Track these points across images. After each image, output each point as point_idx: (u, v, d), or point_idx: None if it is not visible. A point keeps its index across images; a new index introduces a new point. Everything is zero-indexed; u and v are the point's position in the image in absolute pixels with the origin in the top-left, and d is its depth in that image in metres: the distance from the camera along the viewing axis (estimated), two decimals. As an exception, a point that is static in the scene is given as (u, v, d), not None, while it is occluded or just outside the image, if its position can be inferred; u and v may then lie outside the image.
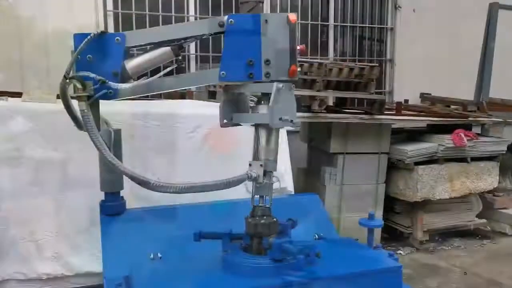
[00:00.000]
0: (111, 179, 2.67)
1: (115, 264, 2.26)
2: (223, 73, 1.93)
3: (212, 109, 4.23)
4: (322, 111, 4.23)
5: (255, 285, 1.89)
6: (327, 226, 2.85)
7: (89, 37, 1.88)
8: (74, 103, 2.00)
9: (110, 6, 5.22)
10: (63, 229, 3.63)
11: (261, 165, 1.97)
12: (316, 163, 5.17)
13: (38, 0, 4.90)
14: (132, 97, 2.08)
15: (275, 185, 4.15)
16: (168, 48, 2.01)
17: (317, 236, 2.58)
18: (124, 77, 1.99)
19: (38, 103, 3.68)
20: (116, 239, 2.48)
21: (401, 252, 4.98)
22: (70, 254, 3.64)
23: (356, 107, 4.93)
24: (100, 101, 2.16)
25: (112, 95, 1.97)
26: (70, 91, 1.96)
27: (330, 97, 5.01)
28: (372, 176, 4.94)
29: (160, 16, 5.30)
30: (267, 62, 1.91)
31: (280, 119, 1.94)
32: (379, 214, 5.02)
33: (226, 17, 1.92)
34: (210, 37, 2.37)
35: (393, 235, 5.35)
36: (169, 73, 2.02)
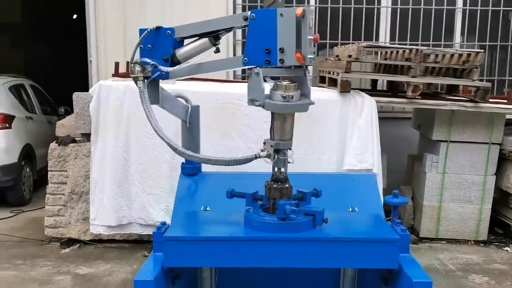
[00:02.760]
0: (190, 146, 3.22)
1: (180, 212, 2.83)
2: (245, 59, 2.32)
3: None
4: (417, 97, 4.24)
5: (257, 236, 2.27)
6: (373, 203, 2.98)
7: (146, 31, 2.45)
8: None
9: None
10: (174, 188, 4.41)
11: (271, 145, 2.31)
12: (422, 150, 5.13)
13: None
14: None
15: (361, 166, 4.40)
16: (206, 39, 2.47)
17: (351, 209, 2.79)
18: (174, 62, 2.51)
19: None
20: (186, 193, 3.06)
21: (507, 249, 4.70)
22: (179, 209, 4.41)
23: (463, 94, 4.74)
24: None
25: (164, 76, 2.49)
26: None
27: (440, 83, 4.92)
28: (480, 166, 4.72)
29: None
30: (281, 50, 2.24)
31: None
32: (487, 207, 4.80)
33: (249, 12, 2.31)
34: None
35: (507, 231, 5.03)
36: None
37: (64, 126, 5.03)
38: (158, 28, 2.47)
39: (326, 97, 4.35)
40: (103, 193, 4.39)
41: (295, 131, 4.48)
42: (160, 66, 2.45)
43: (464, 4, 5.82)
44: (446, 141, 4.71)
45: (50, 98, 8.28)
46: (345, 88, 4.18)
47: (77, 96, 4.69)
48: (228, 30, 2.46)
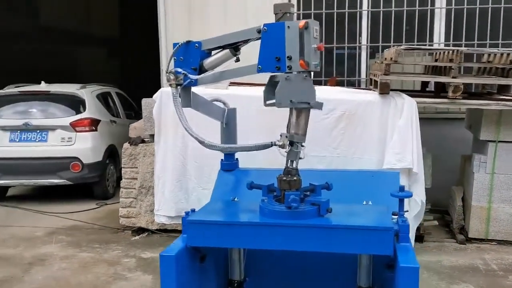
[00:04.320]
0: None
1: (212, 202, 3.21)
2: (259, 67, 2.65)
3: (351, 94, 4.80)
4: (457, 97, 4.29)
5: (264, 222, 2.59)
6: (390, 198, 3.14)
7: (178, 45, 2.87)
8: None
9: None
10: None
11: (286, 136, 2.61)
12: (473, 151, 5.10)
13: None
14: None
15: (400, 165, 4.55)
16: (228, 50, 2.84)
17: (365, 202, 3.00)
18: (202, 71, 2.92)
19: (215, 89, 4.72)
20: (222, 186, 3.44)
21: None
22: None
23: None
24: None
25: (193, 83, 2.90)
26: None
27: (490, 84, 4.88)
28: (532, 167, 4.64)
29: (335, 13, 6.00)
30: (289, 57, 2.55)
31: (291, 101, 2.57)
32: (540, 209, 4.69)
33: (262, 25, 2.65)
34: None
35: None
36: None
37: (136, 128, 5.68)
38: (188, 42, 2.88)
39: (367, 99, 4.52)
40: (165, 187, 4.91)
41: (337, 132, 4.75)
42: (189, 75, 2.86)
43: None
44: (494, 141, 4.68)
45: (134, 104, 9.14)
46: (384, 89, 4.34)
47: (145, 101, 5.30)
48: (245, 42, 2.81)
